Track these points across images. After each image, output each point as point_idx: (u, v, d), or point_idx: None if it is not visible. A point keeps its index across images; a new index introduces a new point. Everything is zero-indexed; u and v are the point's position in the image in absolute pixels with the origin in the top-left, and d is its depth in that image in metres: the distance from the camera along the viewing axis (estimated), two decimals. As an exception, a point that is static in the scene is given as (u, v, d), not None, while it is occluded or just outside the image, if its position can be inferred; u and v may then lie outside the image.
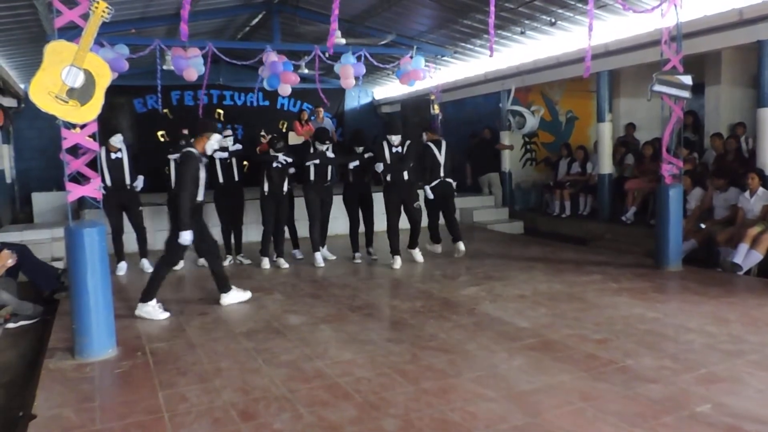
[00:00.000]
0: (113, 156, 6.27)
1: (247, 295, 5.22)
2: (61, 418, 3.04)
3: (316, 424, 2.89)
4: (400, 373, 3.49)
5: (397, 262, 6.51)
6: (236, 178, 6.84)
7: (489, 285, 5.61)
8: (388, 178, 6.41)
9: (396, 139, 6.34)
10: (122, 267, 6.55)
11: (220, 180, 6.78)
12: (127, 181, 6.32)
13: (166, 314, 4.80)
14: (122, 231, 6.43)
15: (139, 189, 6.51)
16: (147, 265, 6.53)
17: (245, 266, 6.85)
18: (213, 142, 4.97)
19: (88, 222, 4.09)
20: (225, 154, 6.78)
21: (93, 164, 3.99)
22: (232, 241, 7.05)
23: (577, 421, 2.86)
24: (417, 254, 6.75)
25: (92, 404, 3.20)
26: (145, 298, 4.81)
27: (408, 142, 6.48)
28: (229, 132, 7.02)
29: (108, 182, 6.19)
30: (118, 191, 6.27)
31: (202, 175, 4.90)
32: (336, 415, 2.97)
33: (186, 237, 4.73)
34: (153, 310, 4.78)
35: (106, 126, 6.18)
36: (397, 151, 6.39)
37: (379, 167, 6.39)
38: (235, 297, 5.16)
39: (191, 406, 3.12)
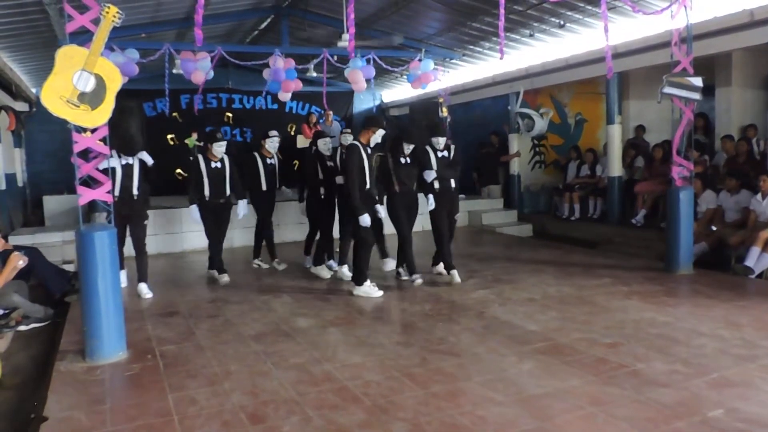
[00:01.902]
0: (123, 161, 5.59)
1: (378, 293, 5.36)
2: (72, 420, 3.06)
3: (325, 427, 2.89)
4: (409, 376, 3.48)
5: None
6: (277, 185, 6.76)
7: (498, 288, 5.59)
8: (436, 185, 5.76)
9: (442, 141, 5.77)
10: (122, 277, 5.55)
11: (264, 187, 6.54)
12: (135, 191, 5.60)
13: (380, 292, 5.35)
14: (123, 243, 5.68)
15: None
16: (145, 291, 5.66)
17: (254, 269, 6.86)
18: (377, 136, 5.43)
19: (99, 225, 4.12)
20: (274, 160, 6.65)
21: (104, 168, 4.02)
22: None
23: (587, 426, 2.84)
24: (455, 275, 5.85)
25: (103, 407, 3.21)
26: (358, 281, 5.39)
27: (454, 145, 5.93)
28: (275, 133, 6.75)
29: (117, 191, 5.43)
30: (126, 201, 5.54)
31: (366, 165, 5.37)
32: (345, 418, 2.97)
33: (365, 219, 5.23)
34: (369, 289, 5.36)
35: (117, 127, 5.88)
36: (443, 156, 5.81)
37: (430, 175, 5.72)
38: (366, 291, 5.37)
39: (201, 408, 3.13)
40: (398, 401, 3.15)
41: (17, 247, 5.60)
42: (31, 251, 5.63)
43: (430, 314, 4.79)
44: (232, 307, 5.17)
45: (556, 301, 5.06)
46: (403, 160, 5.70)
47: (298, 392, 3.29)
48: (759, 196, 6.33)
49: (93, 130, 3.89)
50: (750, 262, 5.84)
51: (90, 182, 4.01)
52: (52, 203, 9.46)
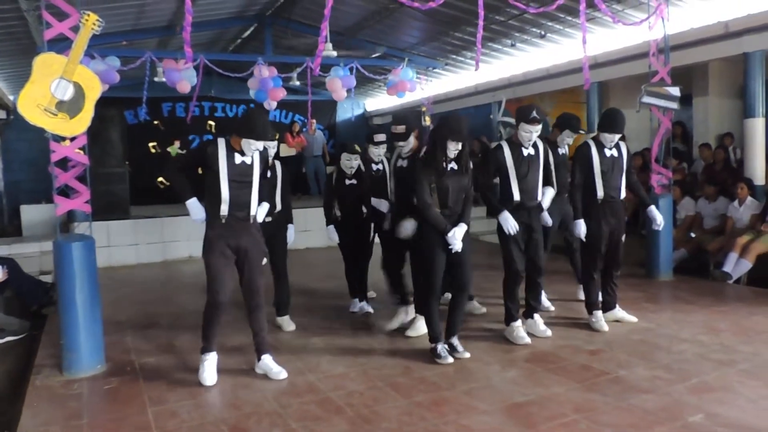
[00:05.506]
0: (238, 159, 3.47)
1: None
2: (48, 435, 2.99)
3: (308, 439, 2.86)
4: (393, 386, 3.47)
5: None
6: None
7: (481, 296, 5.58)
8: (600, 194, 4.41)
9: (614, 138, 4.39)
10: (210, 365, 3.62)
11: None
12: (252, 210, 3.56)
13: (527, 340, 4.19)
14: (226, 301, 3.57)
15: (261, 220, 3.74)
16: (275, 369, 3.62)
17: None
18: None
19: (77, 236, 4.05)
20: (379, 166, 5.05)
21: (83, 177, 3.96)
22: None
23: (570, 433, 2.85)
24: (600, 318, 4.54)
25: (80, 422, 3.14)
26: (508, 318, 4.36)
27: (624, 142, 4.56)
28: (383, 148, 4.96)
29: (223, 208, 3.43)
30: (238, 227, 3.51)
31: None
32: (328, 429, 2.94)
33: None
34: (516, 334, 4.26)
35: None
36: (612, 156, 4.42)
37: (599, 180, 4.37)
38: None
39: (181, 422, 3.08)
40: (382, 411, 3.13)
41: (-7, 258, 5.50)
42: (7, 262, 5.52)
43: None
44: (214, 318, 5.10)
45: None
46: (448, 167, 3.86)
47: (280, 404, 3.26)
48: (736, 203, 6.44)
49: (71, 139, 3.84)
50: (728, 267, 5.93)
51: (68, 192, 3.95)
52: (29, 213, 9.29)
